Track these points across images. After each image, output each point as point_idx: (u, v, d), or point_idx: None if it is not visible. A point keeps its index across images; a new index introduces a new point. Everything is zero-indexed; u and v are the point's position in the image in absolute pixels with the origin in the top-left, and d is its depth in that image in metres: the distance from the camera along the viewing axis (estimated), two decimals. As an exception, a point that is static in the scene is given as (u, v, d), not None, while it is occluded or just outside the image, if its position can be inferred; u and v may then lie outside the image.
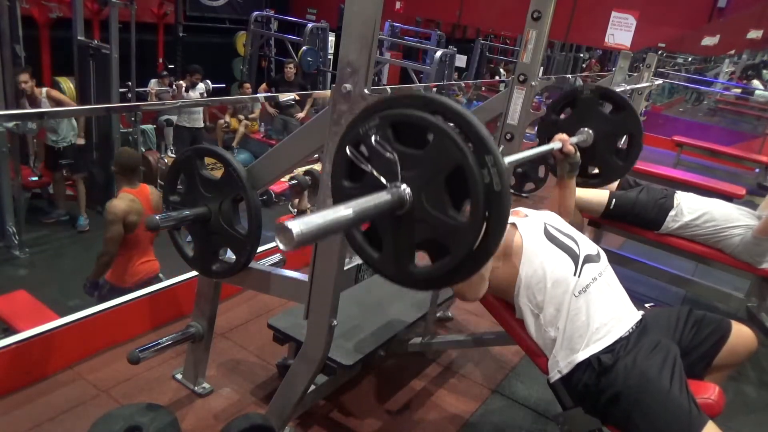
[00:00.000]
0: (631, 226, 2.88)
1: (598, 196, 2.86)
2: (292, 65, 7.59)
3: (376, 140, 1.03)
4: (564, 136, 1.81)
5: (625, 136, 2.15)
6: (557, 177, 1.89)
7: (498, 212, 0.96)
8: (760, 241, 2.61)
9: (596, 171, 2.17)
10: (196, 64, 6.92)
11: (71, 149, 5.11)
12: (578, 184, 2.00)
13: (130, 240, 2.98)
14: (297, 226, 0.78)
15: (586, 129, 2.06)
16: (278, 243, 0.80)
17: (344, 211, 0.89)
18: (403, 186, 1.01)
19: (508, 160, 1.42)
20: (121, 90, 5.49)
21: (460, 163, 0.96)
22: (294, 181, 4.32)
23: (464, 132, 0.98)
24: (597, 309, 1.44)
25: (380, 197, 0.98)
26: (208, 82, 6.98)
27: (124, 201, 2.94)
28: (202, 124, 6.89)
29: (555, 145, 1.78)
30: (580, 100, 2.11)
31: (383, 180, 1.02)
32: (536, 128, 2.36)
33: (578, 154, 1.82)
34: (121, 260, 3.02)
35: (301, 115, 7.60)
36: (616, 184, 3.04)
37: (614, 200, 2.82)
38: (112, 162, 3.18)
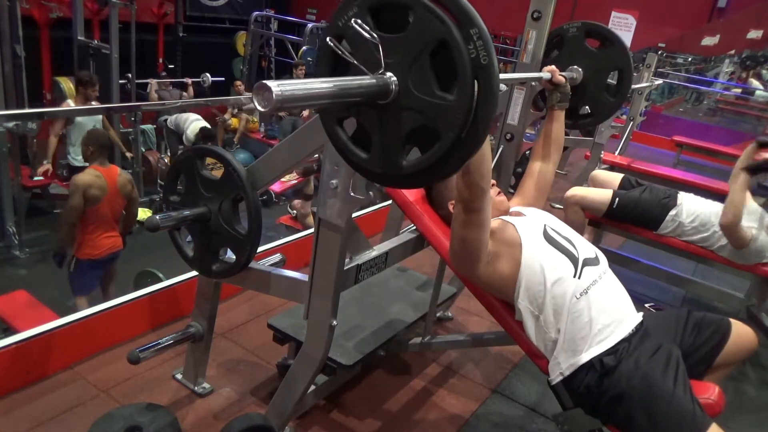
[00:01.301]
0: (630, 226, 2.88)
1: (602, 195, 2.86)
2: (302, 68, 7.55)
3: (356, 22, 0.99)
4: (552, 66, 1.79)
5: (614, 72, 2.10)
6: (547, 109, 1.87)
7: (486, 86, 0.93)
8: (742, 247, 2.59)
9: (587, 110, 2.14)
10: (196, 63, 6.95)
11: None
12: (571, 126, 1.97)
13: (91, 214, 3.22)
14: (278, 86, 0.77)
15: (575, 67, 2.02)
16: (255, 103, 0.78)
17: (326, 83, 0.87)
18: (388, 74, 0.98)
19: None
20: (120, 81, 5.49)
21: (444, 36, 0.92)
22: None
23: (446, 8, 0.94)
24: (598, 311, 1.44)
25: (364, 79, 0.95)
26: (208, 75, 7.01)
27: (88, 175, 3.19)
28: None
29: (545, 75, 1.76)
30: (566, 39, 2.06)
31: (366, 70, 0.99)
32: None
33: (568, 85, 1.80)
34: (86, 234, 3.27)
35: (305, 113, 7.59)
36: (618, 183, 3.05)
37: (617, 199, 2.81)
38: (83, 141, 3.38)
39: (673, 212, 2.75)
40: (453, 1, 0.93)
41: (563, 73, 1.83)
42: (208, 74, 7.03)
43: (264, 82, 0.77)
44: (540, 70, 1.85)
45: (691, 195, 2.86)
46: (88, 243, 3.28)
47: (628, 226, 2.89)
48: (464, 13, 0.92)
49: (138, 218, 4.23)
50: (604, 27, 2.11)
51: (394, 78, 0.98)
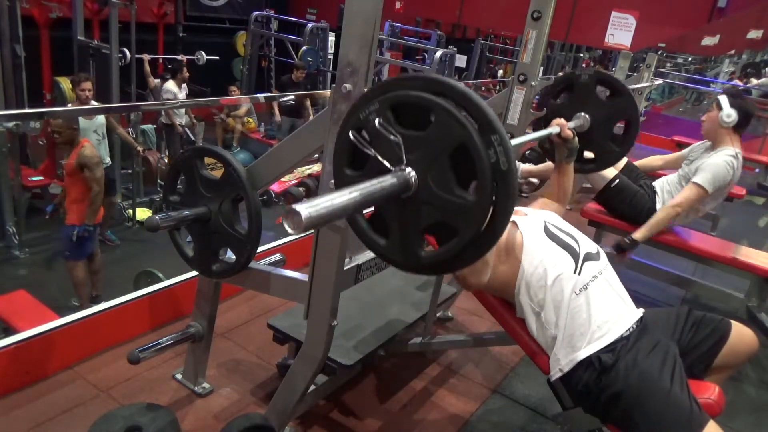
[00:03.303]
0: (618, 216, 2.96)
1: (605, 170, 2.90)
2: (302, 71, 7.51)
3: (378, 122, 1.01)
4: (562, 120, 1.80)
5: (621, 122, 2.12)
6: (555, 162, 1.89)
7: (505, 190, 0.95)
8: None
9: (591, 156, 2.16)
10: (196, 63, 6.93)
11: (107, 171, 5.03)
12: (575, 170, 2.00)
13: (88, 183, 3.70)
14: (305, 209, 0.78)
15: (582, 114, 2.04)
16: (287, 227, 0.80)
17: (350, 194, 0.88)
18: (408, 169, 0.99)
19: (515, 141, 1.42)
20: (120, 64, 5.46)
21: (465, 140, 0.94)
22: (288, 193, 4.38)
23: (468, 112, 0.96)
24: (598, 307, 1.44)
25: (386, 180, 0.97)
26: (203, 53, 7.03)
27: (89, 148, 3.70)
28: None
29: (553, 129, 1.77)
30: (577, 85, 2.08)
31: (387, 164, 1.01)
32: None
33: (576, 138, 1.82)
34: (84, 203, 3.71)
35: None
36: (622, 164, 3.08)
37: (618, 180, 2.87)
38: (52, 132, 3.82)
39: (659, 206, 2.83)
40: (477, 108, 0.96)
41: (571, 124, 1.86)
42: (203, 52, 7.06)
43: (294, 207, 0.79)
44: (549, 119, 1.89)
45: (660, 181, 2.93)
46: (84, 211, 3.73)
47: (614, 218, 2.97)
48: (486, 119, 0.95)
49: (138, 218, 4.26)
50: (614, 77, 2.14)
51: (414, 173, 1.00)
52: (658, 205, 2.80)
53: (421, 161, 0.99)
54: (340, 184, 1.11)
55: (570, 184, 1.89)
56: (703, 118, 2.84)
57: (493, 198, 0.96)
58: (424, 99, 0.98)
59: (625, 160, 3.09)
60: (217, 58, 7.52)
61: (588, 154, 2.13)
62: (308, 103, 7.66)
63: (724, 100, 2.71)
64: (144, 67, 6.55)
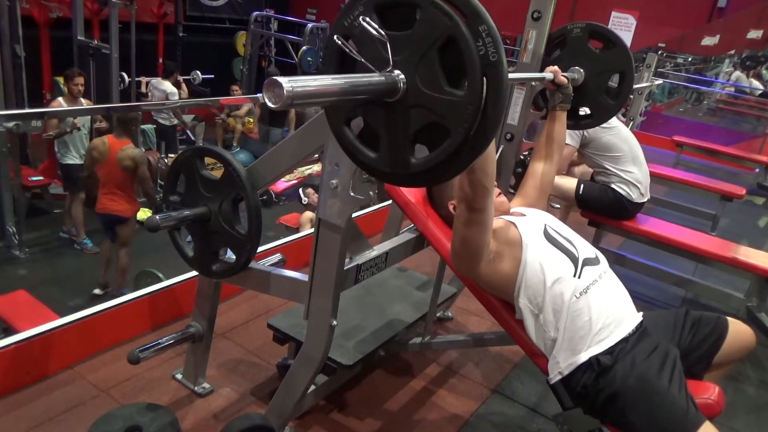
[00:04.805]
0: (606, 216, 3.07)
1: (567, 182, 3.08)
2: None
3: (363, 20, 0.98)
4: (555, 67, 1.79)
5: (616, 74, 2.09)
6: (548, 109, 1.88)
7: (496, 83, 0.92)
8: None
9: (587, 111, 2.14)
10: (196, 63, 6.94)
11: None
12: (571, 127, 2.00)
13: (96, 172, 4.08)
14: (288, 82, 0.76)
15: (576, 68, 2.02)
16: (265, 99, 0.77)
17: (336, 79, 0.87)
18: (396, 71, 0.97)
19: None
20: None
21: (452, 32, 0.92)
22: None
23: (455, 5, 0.93)
24: (599, 311, 1.44)
25: (373, 77, 0.95)
26: (198, 72, 7.04)
27: (98, 140, 4.05)
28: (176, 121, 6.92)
29: (547, 75, 1.76)
30: (569, 39, 2.06)
31: (373, 69, 0.99)
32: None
33: (570, 86, 1.81)
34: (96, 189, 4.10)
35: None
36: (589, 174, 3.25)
37: (582, 186, 3.03)
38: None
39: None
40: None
41: (565, 74, 1.83)
42: (198, 72, 7.09)
43: (275, 78, 0.76)
44: (542, 70, 1.85)
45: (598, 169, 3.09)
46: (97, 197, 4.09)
47: (609, 218, 3.07)
48: (473, 10, 0.92)
49: (138, 218, 4.27)
50: (607, 29, 2.10)
51: (402, 76, 0.97)
52: (623, 190, 2.96)
53: (408, 62, 0.97)
54: None
55: (563, 133, 1.87)
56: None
57: (484, 88, 0.92)
58: None
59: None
60: (212, 76, 7.57)
61: (584, 110, 2.11)
62: (292, 112, 7.44)
63: None
64: (140, 88, 6.58)
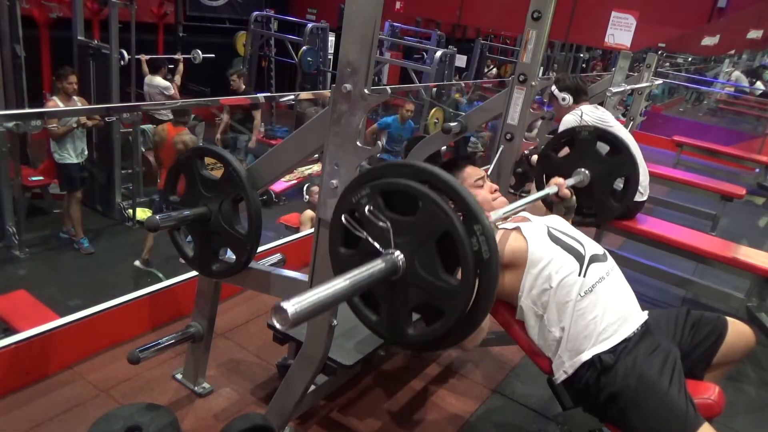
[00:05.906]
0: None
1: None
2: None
3: (369, 209, 1.06)
4: (560, 180, 1.86)
5: (621, 178, 2.20)
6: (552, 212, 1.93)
7: (487, 278, 1.00)
8: None
9: (591, 210, 2.24)
10: (196, 63, 6.92)
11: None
12: (576, 223, 2.02)
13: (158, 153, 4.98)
14: (292, 306, 0.81)
15: (583, 170, 2.11)
16: (275, 322, 0.82)
17: (338, 285, 0.92)
18: (397, 252, 1.04)
19: (501, 212, 1.49)
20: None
21: (449, 229, 0.99)
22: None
23: (453, 201, 1.01)
24: (604, 309, 1.44)
25: (374, 266, 1.01)
26: (199, 51, 7.08)
27: (159, 126, 4.86)
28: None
29: (551, 189, 1.83)
30: (578, 140, 2.14)
31: (378, 246, 1.06)
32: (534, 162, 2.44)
33: (574, 198, 1.87)
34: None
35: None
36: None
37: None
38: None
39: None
40: (461, 198, 1.01)
41: (570, 181, 1.91)
42: (198, 51, 7.11)
43: (280, 303, 0.81)
44: (548, 176, 1.97)
45: None
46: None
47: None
48: (470, 209, 1.00)
49: (138, 218, 4.30)
50: (614, 134, 2.20)
51: (402, 257, 1.05)
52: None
53: (409, 245, 1.04)
54: (335, 262, 1.18)
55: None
56: (552, 110, 3.15)
57: (476, 281, 1.00)
58: (412, 188, 1.03)
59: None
60: (213, 56, 7.53)
61: (588, 209, 2.22)
62: (258, 114, 6.93)
63: (554, 90, 2.99)
64: (142, 68, 6.55)
